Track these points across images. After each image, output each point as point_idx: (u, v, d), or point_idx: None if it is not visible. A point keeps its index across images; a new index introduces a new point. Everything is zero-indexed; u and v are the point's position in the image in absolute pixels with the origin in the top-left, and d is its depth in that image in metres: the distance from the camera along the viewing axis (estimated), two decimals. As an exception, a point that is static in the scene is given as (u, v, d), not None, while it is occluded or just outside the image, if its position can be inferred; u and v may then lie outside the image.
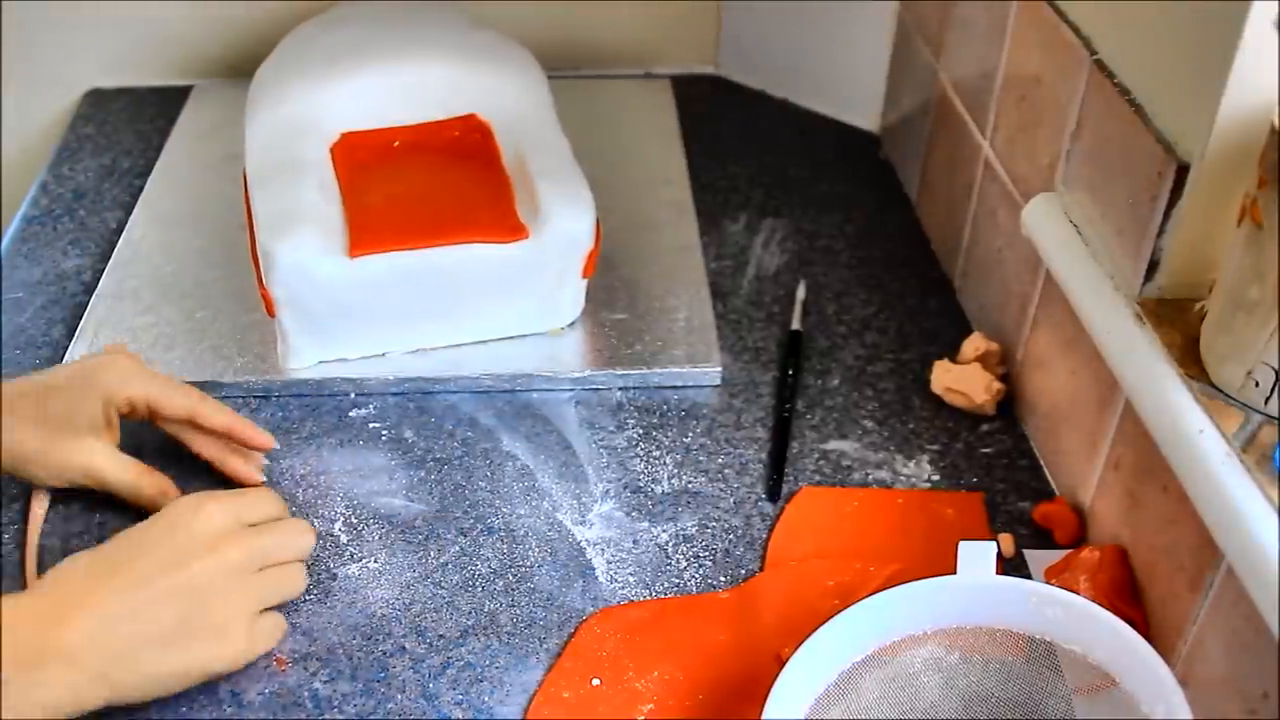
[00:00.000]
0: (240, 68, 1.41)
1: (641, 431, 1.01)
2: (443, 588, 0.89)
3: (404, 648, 0.85)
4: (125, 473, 0.90)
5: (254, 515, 0.84)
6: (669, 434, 1.01)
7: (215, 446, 0.95)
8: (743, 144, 1.37)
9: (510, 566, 0.90)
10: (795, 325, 1.10)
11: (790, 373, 1.05)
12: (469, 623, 0.87)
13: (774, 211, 1.27)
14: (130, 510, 0.91)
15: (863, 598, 0.78)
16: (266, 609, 0.83)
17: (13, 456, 0.88)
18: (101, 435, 0.90)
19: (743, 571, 0.91)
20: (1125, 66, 0.85)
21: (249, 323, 1.08)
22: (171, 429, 0.95)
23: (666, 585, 0.90)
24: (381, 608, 0.87)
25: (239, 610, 0.80)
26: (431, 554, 0.91)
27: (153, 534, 0.79)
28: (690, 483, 0.97)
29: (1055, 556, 0.89)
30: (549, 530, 0.93)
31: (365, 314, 1.01)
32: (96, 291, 1.11)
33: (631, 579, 0.90)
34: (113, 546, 0.79)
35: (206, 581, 0.78)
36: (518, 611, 0.88)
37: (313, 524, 0.92)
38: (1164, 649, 0.77)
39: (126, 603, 0.75)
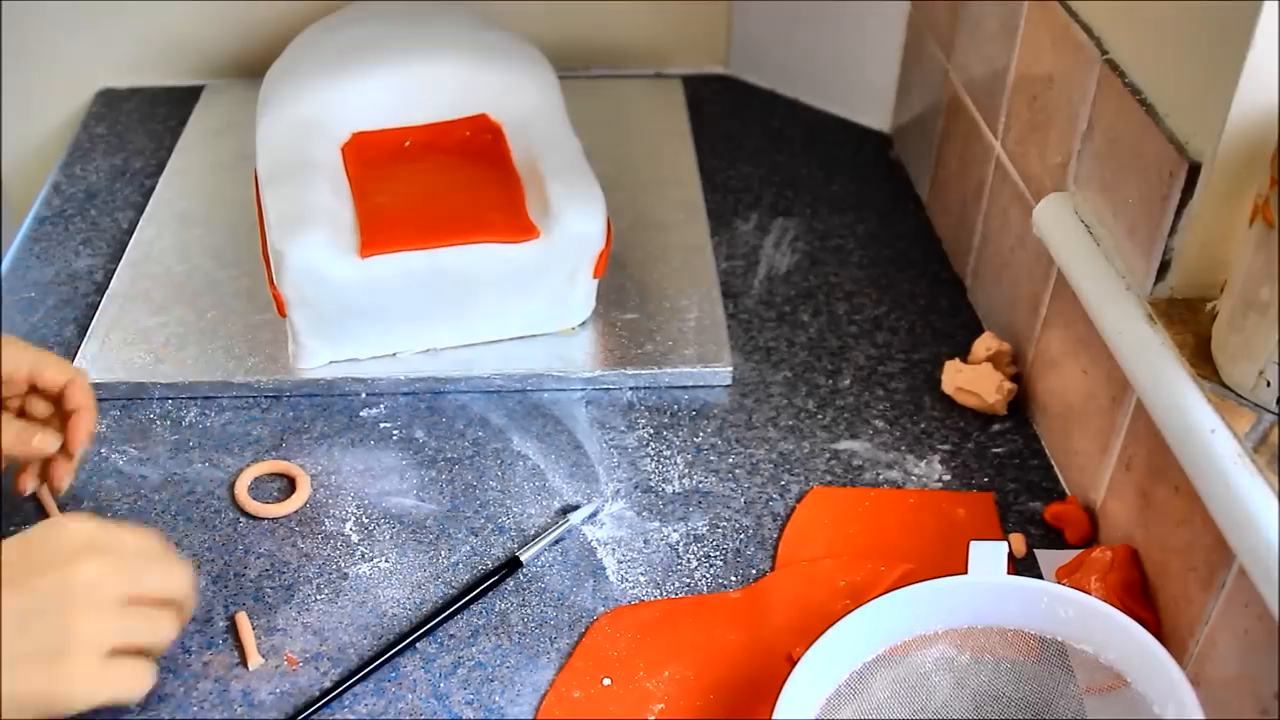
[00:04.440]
0: (251, 68, 1.41)
1: (652, 431, 1.01)
2: (454, 587, 0.89)
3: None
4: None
5: (128, 546, 0.76)
6: (680, 434, 1.01)
7: (14, 429, 0.88)
8: (753, 144, 1.37)
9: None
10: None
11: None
12: (480, 622, 0.87)
13: (785, 211, 1.27)
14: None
15: (874, 597, 0.78)
16: (128, 652, 0.74)
17: None
18: None
19: (753, 571, 0.91)
20: (1136, 66, 0.85)
21: (260, 322, 1.08)
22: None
23: (677, 585, 0.90)
24: (392, 607, 0.88)
25: (89, 639, 0.71)
26: (442, 553, 0.91)
27: (16, 543, 0.73)
28: (701, 482, 0.97)
29: (1066, 556, 0.89)
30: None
31: (376, 314, 1.01)
32: (108, 291, 1.11)
33: (642, 579, 0.90)
34: None
35: (55, 599, 0.71)
36: (528, 611, 0.88)
37: (324, 524, 0.93)
38: (1175, 649, 0.77)
39: None
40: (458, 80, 1.13)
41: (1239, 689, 0.72)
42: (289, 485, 0.96)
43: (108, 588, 0.72)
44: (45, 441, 0.88)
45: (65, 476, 0.91)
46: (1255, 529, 0.67)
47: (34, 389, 0.90)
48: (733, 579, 0.90)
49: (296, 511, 0.94)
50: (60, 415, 0.91)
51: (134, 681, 0.74)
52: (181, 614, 0.78)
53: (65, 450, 0.90)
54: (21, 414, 0.91)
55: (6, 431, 0.87)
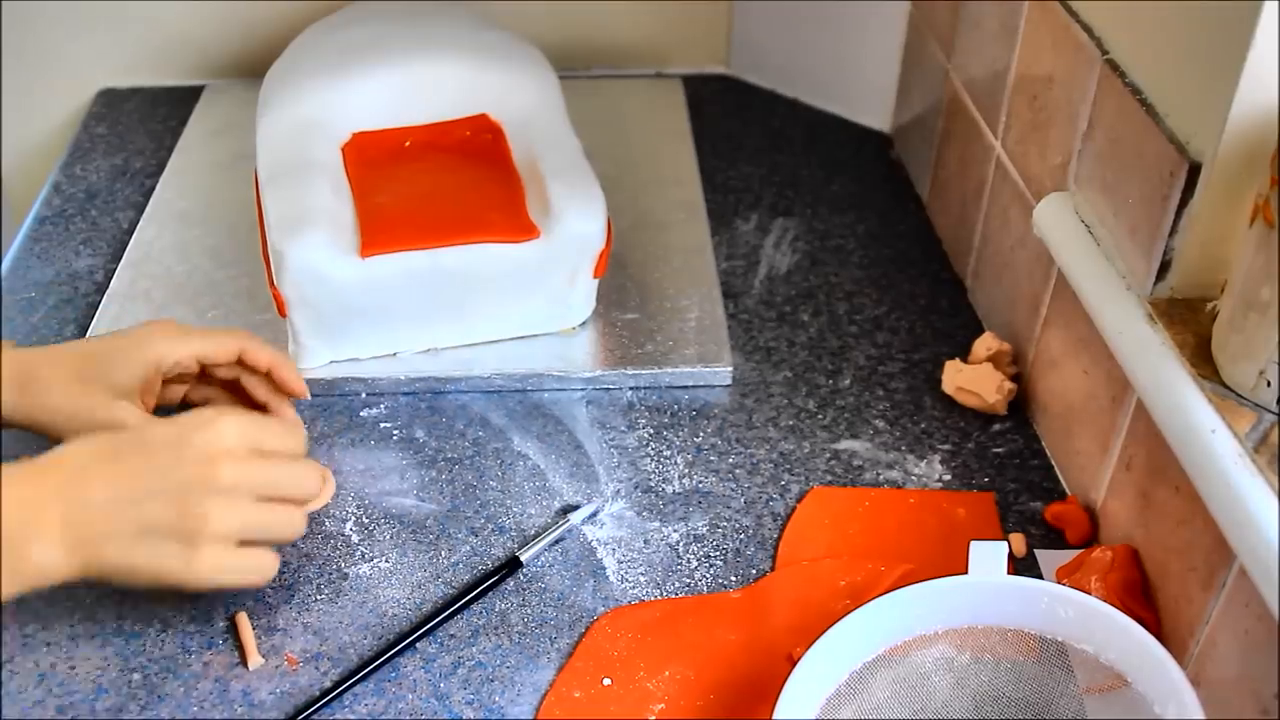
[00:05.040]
0: (252, 68, 1.41)
1: (652, 431, 1.01)
2: (454, 587, 0.89)
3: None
4: None
5: (271, 444, 0.82)
6: (680, 434, 1.01)
7: (263, 389, 0.96)
8: (754, 144, 1.37)
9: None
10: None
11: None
12: (480, 622, 0.87)
13: (785, 211, 1.27)
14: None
15: (874, 598, 0.78)
16: (254, 542, 0.81)
17: (46, 418, 0.88)
18: (135, 399, 0.89)
19: (754, 571, 0.91)
20: (1137, 66, 0.85)
21: (260, 322, 1.08)
22: (217, 380, 0.95)
23: (677, 585, 0.90)
24: (393, 607, 0.88)
25: (217, 529, 0.78)
26: (443, 553, 0.91)
27: (161, 433, 0.80)
28: (701, 482, 0.97)
29: (1067, 556, 0.89)
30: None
31: (376, 314, 1.01)
32: (108, 291, 1.11)
33: (642, 579, 0.90)
34: (124, 437, 0.80)
35: (193, 491, 0.78)
36: (529, 611, 0.88)
37: (324, 524, 0.93)
38: (1176, 649, 0.77)
39: (111, 492, 0.76)
40: (458, 80, 1.13)
41: (1239, 689, 0.72)
42: None
43: (245, 486, 0.79)
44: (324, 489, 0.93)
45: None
46: (1256, 529, 0.67)
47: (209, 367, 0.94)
48: (733, 579, 0.90)
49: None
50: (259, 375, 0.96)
51: (257, 573, 0.81)
52: (315, 505, 0.87)
53: (294, 394, 0.96)
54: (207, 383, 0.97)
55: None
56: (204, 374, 0.95)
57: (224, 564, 0.79)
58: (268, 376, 0.95)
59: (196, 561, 0.78)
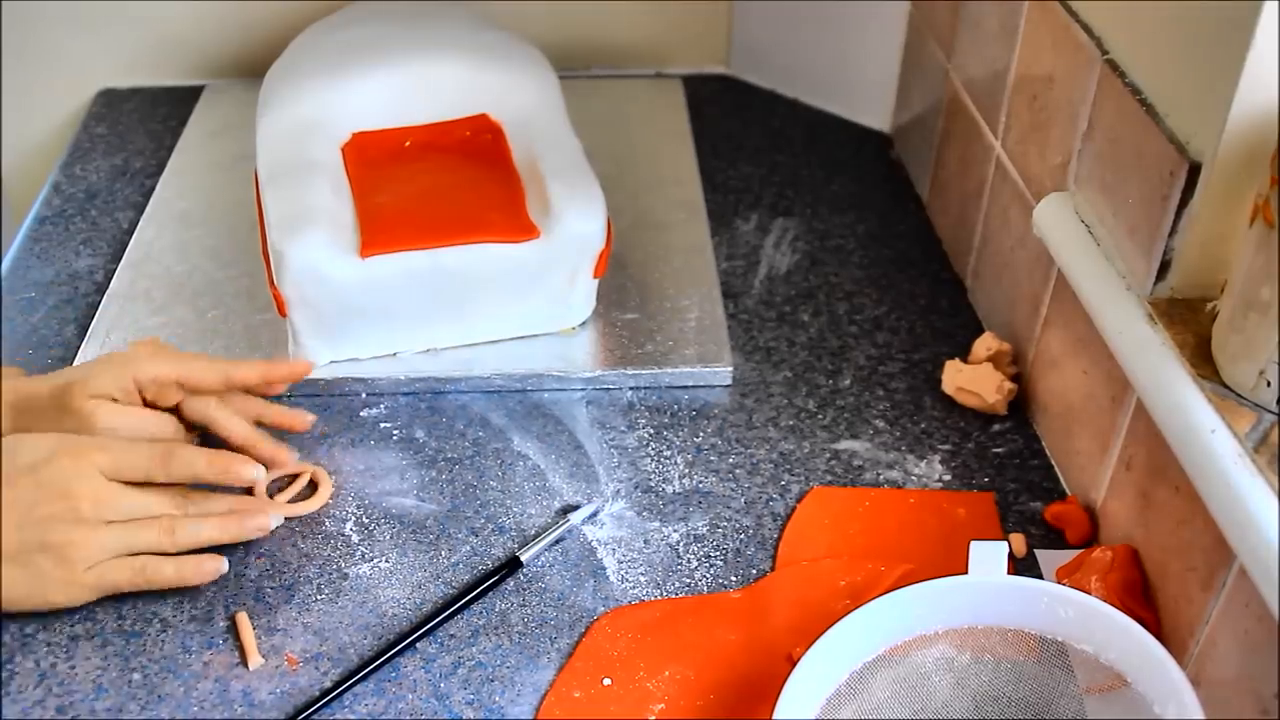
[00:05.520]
0: (252, 67, 1.41)
1: (652, 431, 1.01)
2: (454, 587, 0.89)
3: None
4: (130, 418, 0.89)
5: (137, 466, 0.85)
6: (680, 434, 1.01)
7: (244, 430, 0.94)
8: (754, 144, 1.37)
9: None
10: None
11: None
12: (480, 622, 0.87)
13: (785, 211, 1.27)
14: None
15: (874, 598, 0.78)
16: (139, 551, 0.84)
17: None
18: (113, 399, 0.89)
19: (754, 571, 0.91)
20: (1137, 66, 0.85)
21: (260, 322, 1.08)
22: (198, 412, 0.93)
23: (677, 585, 0.90)
24: (393, 607, 0.88)
25: (88, 555, 0.82)
26: (443, 553, 0.91)
27: (25, 462, 0.82)
28: (701, 482, 0.97)
29: (1067, 556, 0.89)
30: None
31: (376, 314, 1.01)
32: (108, 291, 1.11)
33: (642, 579, 0.90)
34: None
35: (56, 523, 0.81)
36: (529, 611, 0.88)
37: (324, 524, 0.93)
38: (1176, 649, 0.77)
39: None
40: (458, 80, 1.13)
41: (1239, 689, 0.72)
42: (288, 482, 0.96)
43: (110, 515, 0.83)
44: (246, 471, 0.90)
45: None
46: (1256, 529, 0.67)
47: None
48: (733, 579, 0.90)
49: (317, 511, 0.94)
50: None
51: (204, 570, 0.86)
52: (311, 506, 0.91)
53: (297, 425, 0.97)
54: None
55: (200, 461, 0.88)
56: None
57: (109, 579, 0.83)
58: (259, 391, 0.95)
59: (72, 584, 0.82)
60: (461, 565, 0.90)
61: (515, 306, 1.05)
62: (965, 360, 1.05)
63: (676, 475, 0.98)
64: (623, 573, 0.90)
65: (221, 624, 0.86)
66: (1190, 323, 0.80)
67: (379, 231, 1.00)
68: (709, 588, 0.89)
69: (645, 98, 1.42)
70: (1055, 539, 0.93)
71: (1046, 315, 0.99)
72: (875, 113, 1.39)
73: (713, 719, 0.81)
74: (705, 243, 1.19)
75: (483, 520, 0.94)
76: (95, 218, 1.24)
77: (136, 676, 0.83)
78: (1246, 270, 0.72)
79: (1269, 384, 0.72)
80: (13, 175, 1.47)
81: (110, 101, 1.42)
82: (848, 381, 1.06)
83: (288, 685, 0.82)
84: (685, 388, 1.05)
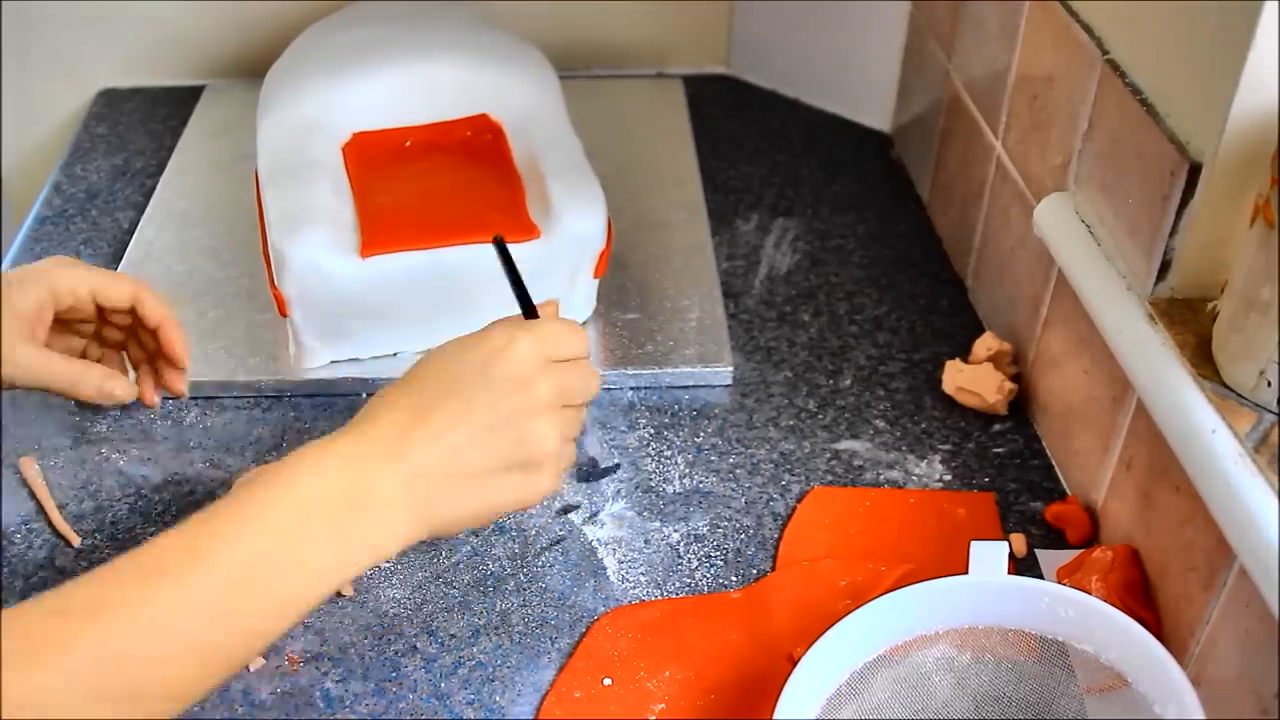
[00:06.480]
0: (252, 68, 1.41)
1: (653, 431, 1.01)
2: (454, 587, 0.89)
3: (415, 647, 0.85)
4: (62, 370, 0.87)
5: (560, 352, 0.80)
6: (680, 434, 1.01)
7: (145, 353, 0.93)
8: (754, 144, 1.37)
9: (522, 566, 0.90)
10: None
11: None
12: (480, 622, 0.87)
13: (785, 211, 1.27)
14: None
15: (874, 598, 0.78)
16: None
17: None
18: (32, 339, 0.86)
19: (754, 571, 0.91)
20: (1137, 66, 0.85)
21: (261, 322, 1.08)
22: (109, 328, 0.92)
23: (678, 585, 0.90)
24: (393, 607, 0.88)
25: (551, 447, 0.78)
26: (443, 554, 0.91)
27: (465, 372, 0.77)
28: (701, 482, 0.97)
29: (1067, 556, 0.89)
30: (561, 530, 0.93)
31: (377, 314, 1.01)
32: (109, 291, 1.11)
33: (643, 579, 0.90)
34: (423, 384, 0.77)
35: (519, 422, 0.76)
36: (529, 611, 0.88)
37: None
38: (1176, 649, 0.77)
39: (445, 444, 0.74)
40: (458, 80, 1.13)
41: (1239, 689, 0.72)
42: None
43: (559, 401, 0.78)
44: (115, 388, 0.88)
45: (180, 382, 0.92)
46: (1256, 529, 0.67)
47: (103, 312, 0.90)
48: (733, 579, 0.90)
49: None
50: (148, 332, 0.91)
51: (571, 452, 0.82)
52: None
53: (173, 361, 0.91)
54: (103, 341, 0.93)
55: (68, 373, 0.86)
56: (102, 319, 0.92)
57: (561, 469, 0.80)
58: (155, 335, 0.91)
59: (541, 482, 0.78)
60: (462, 565, 0.90)
61: (515, 306, 1.04)
62: (965, 360, 1.05)
63: (677, 475, 0.98)
64: (623, 573, 0.90)
65: (222, 624, 0.86)
66: (1190, 323, 0.80)
67: (379, 231, 1.00)
68: (709, 588, 0.89)
69: (645, 98, 1.42)
70: (1056, 539, 0.93)
71: (1047, 315, 0.99)
72: (876, 113, 1.39)
73: (713, 719, 0.81)
74: (706, 243, 1.19)
75: (483, 520, 0.94)
76: (96, 217, 1.24)
77: (137, 676, 0.83)
78: (1247, 270, 0.72)
79: (1269, 384, 0.72)
80: (13, 175, 1.47)
81: (111, 101, 1.42)
82: (848, 381, 1.06)
83: (288, 685, 0.82)
84: (686, 388, 1.05)
